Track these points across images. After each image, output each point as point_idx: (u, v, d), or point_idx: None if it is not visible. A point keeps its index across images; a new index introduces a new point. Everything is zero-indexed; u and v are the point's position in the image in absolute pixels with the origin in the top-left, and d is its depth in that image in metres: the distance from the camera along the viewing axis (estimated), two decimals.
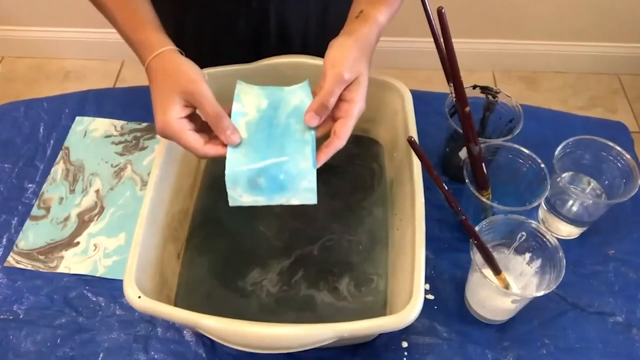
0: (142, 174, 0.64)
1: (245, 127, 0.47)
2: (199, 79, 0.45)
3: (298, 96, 0.48)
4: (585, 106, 1.45)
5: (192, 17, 0.67)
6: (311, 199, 0.45)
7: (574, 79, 1.51)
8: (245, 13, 0.65)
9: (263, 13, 0.64)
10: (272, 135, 0.46)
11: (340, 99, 0.46)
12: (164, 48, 0.47)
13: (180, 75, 0.45)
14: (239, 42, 0.67)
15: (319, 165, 0.45)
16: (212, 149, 0.45)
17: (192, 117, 0.47)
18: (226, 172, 0.44)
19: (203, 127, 0.47)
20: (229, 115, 0.47)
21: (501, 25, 1.44)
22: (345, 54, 0.46)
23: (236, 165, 0.44)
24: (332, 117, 0.47)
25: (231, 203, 0.45)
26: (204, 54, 0.58)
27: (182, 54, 0.48)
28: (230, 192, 0.45)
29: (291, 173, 0.44)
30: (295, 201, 0.45)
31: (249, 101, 0.49)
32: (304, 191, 0.44)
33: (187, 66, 0.46)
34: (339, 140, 0.45)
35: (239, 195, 0.45)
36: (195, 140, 0.45)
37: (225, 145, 0.46)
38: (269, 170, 0.44)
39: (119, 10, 0.50)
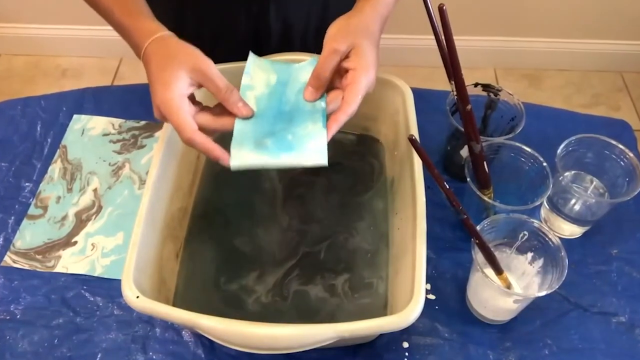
0: (140, 172, 0.63)
1: (255, 102, 0.46)
2: (205, 57, 0.45)
3: (307, 72, 0.48)
4: (588, 104, 1.44)
5: (191, 17, 0.66)
6: (320, 159, 0.42)
7: (576, 76, 1.50)
8: (246, 14, 0.64)
9: (263, 14, 0.64)
10: (281, 111, 0.46)
11: (343, 70, 0.46)
12: (163, 32, 0.47)
13: (186, 54, 0.45)
14: (238, 42, 0.66)
15: (330, 135, 0.43)
16: (201, 138, 0.44)
17: (192, 101, 0.46)
18: (232, 139, 0.43)
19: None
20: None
21: (503, 22, 1.43)
22: (337, 28, 0.47)
23: (243, 128, 0.44)
24: (342, 89, 0.47)
25: (233, 164, 0.43)
26: (203, 54, 0.58)
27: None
28: (233, 151, 0.43)
29: (299, 134, 0.43)
30: (303, 161, 0.42)
31: (258, 75, 0.48)
32: (312, 152, 0.43)
33: (191, 47, 0.46)
34: (348, 105, 0.44)
35: (241, 155, 0.43)
36: (189, 122, 0.44)
37: (215, 144, 0.44)
38: (276, 132, 0.44)
39: (115, 5, 0.50)
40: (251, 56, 0.50)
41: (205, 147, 0.44)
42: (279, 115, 0.46)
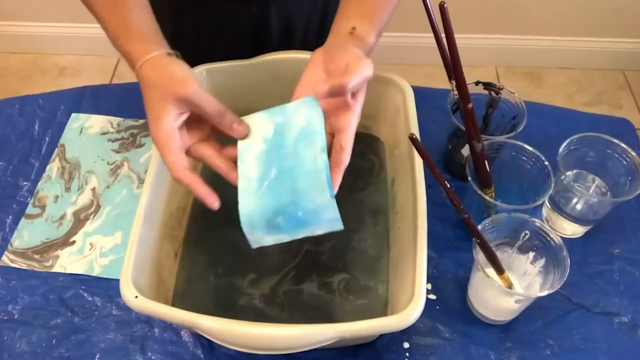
0: (139, 171, 0.63)
1: (254, 162, 0.44)
2: (190, 81, 0.42)
3: (303, 115, 0.44)
4: (590, 102, 1.44)
5: (190, 17, 0.66)
6: (336, 226, 0.43)
7: (578, 74, 1.50)
8: (245, 15, 0.64)
9: (264, 15, 0.64)
10: (283, 170, 0.43)
11: (342, 108, 0.44)
12: (151, 55, 0.44)
13: (170, 82, 0.43)
14: (238, 43, 0.66)
15: (335, 190, 0.43)
16: (188, 177, 0.43)
17: (190, 127, 0.44)
18: (241, 218, 0.43)
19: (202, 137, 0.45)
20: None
21: (504, 20, 1.43)
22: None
23: (250, 209, 0.43)
24: (331, 128, 0.45)
25: (254, 246, 0.44)
26: (202, 54, 0.57)
27: (177, 55, 0.46)
28: (249, 236, 0.43)
29: (309, 209, 0.42)
30: (320, 231, 0.43)
31: (254, 132, 0.46)
32: (327, 221, 0.43)
33: (178, 69, 0.44)
34: (347, 154, 0.43)
35: (260, 238, 0.43)
36: (176, 160, 0.43)
37: (202, 184, 0.43)
38: (285, 209, 0.43)
39: (108, 16, 0.48)
40: (244, 119, 0.46)
41: (192, 188, 0.43)
42: (282, 175, 0.43)
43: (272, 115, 0.46)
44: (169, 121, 0.42)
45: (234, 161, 0.46)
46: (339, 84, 0.41)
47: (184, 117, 0.43)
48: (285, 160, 0.44)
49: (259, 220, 0.43)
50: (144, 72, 0.44)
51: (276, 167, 0.44)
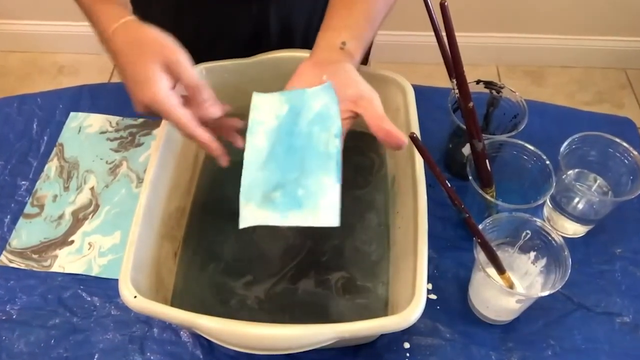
0: (138, 170, 0.63)
1: (265, 137, 0.43)
2: (176, 47, 0.42)
3: (321, 100, 0.44)
4: (591, 101, 1.44)
5: (190, 16, 0.65)
6: (332, 220, 0.39)
7: (580, 73, 1.49)
8: (245, 14, 0.63)
9: (263, 14, 0.63)
10: (292, 147, 0.43)
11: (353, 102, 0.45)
12: (125, 19, 0.43)
13: (156, 44, 0.42)
14: (238, 42, 0.66)
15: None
16: (202, 134, 0.42)
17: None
18: (241, 188, 0.41)
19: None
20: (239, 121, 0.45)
21: (506, 18, 1.42)
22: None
23: (252, 179, 0.42)
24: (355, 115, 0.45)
25: (241, 224, 0.41)
26: (202, 54, 0.57)
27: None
28: (242, 210, 0.41)
29: (310, 189, 0.40)
30: (312, 221, 0.40)
31: (268, 109, 0.45)
32: (324, 209, 0.40)
33: (160, 35, 0.43)
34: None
35: (250, 213, 0.41)
36: (189, 118, 0.42)
37: (215, 140, 0.43)
38: (286, 184, 0.41)
39: None
40: (255, 94, 0.47)
41: (206, 143, 0.43)
42: (291, 152, 0.42)
43: (288, 96, 0.45)
44: (165, 82, 0.42)
45: (237, 131, 0.46)
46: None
47: (172, 83, 0.43)
48: (297, 139, 0.43)
49: (257, 193, 0.41)
50: (123, 34, 0.43)
51: (286, 143, 0.43)
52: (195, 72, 0.43)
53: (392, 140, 0.42)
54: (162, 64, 0.42)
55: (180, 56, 0.42)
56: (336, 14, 0.50)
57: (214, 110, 0.43)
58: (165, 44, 0.42)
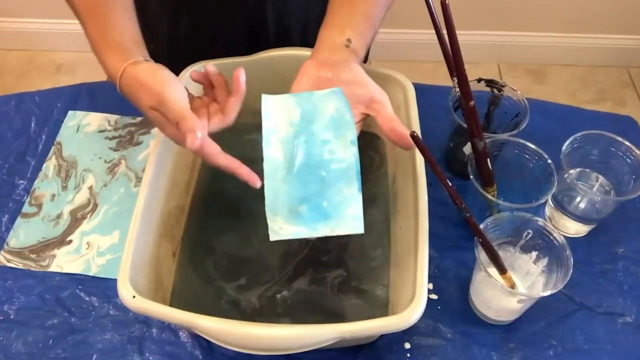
0: (136, 169, 0.62)
1: (281, 146, 0.43)
2: (160, 86, 0.43)
3: (332, 104, 0.43)
4: (593, 100, 1.43)
5: (187, 14, 0.65)
6: (357, 227, 0.41)
7: (582, 71, 1.49)
8: (242, 12, 0.63)
9: (260, 12, 0.63)
10: (310, 155, 0.42)
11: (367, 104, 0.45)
12: (124, 65, 0.44)
13: (141, 92, 0.44)
14: (235, 39, 0.66)
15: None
16: (227, 159, 0.44)
17: None
18: (266, 201, 0.41)
19: None
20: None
21: (507, 16, 1.42)
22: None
23: (275, 193, 0.42)
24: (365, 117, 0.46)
25: (272, 237, 0.42)
26: (200, 52, 0.56)
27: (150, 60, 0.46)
28: (270, 223, 0.42)
29: (334, 200, 0.41)
30: (340, 231, 0.41)
31: (279, 115, 0.44)
32: (349, 219, 0.41)
33: (147, 76, 0.44)
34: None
35: (279, 227, 0.42)
36: (210, 143, 0.44)
37: (243, 165, 0.44)
38: (310, 197, 0.41)
39: (89, 22, 0.48)
40: (264, 97, 0.45)
41: (234, 169, 0.44)
42: (309, 161, 0.42)
43: (298, 100, 0.45)
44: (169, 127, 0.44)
45: (226, 88, 0.46)
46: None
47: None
48: (313, 148, 0.43)
49: (282, 207, 0.42)
50: (123, 86, 0.45)
51: (304, 152, 0.43)
52: (180, 104, 0.43)
53: (404, 142, 0.44)
54: (150, 109, 0.44)
55: (165, 92, 0.43)
56: (338, 12, 0.50)
57: (192, 140, 0.42)
58: (150, 87, 0.43)
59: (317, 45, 0.48)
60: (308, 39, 0.67)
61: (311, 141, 0.43)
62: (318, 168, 0.42)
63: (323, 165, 0.42)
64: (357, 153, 0.42)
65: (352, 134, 0.43)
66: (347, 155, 0.42)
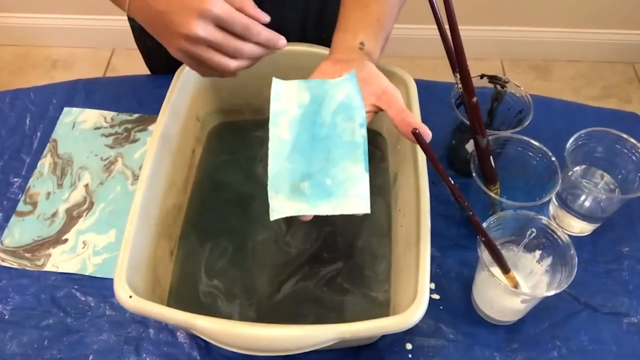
0: (133, 167, 0.62)
1: (288, 127, 0.43)
2: None
3: (344, 90, 0.44)
4: (598, 96, 1.42)
5: None
6: (363, 207, 0.40)
7: (586, 68, 1.48)
8: None
9: (258, 4, 0.62)
10: (316, 137, 0.42)
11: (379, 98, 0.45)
12: None
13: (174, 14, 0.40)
14: None
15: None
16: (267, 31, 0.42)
17: None
18: (268, 177, 0.41)
19: None
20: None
21: (510, 11, 1.41)
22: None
23: (278, 170, 0.41)
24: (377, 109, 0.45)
25: (272, 217, 0.41)
26: None
27: None
28: (271, 201, 0.41)
29: (339, 178, 0.41)
30: (342, 210, 0.40)
31: (289, 97, 0.44)
32: (354, 198, 0.40)
33: None
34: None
35: (280, 205, 0.41)
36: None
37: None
38: (314, 174, 0.41)
39: None
40: (275, 81, 0.45)
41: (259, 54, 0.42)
42: (315, 141, 0.42)
43: (309, 85, 0.45)
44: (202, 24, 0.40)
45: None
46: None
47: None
48: (321, 129, 0.43)
49: (284, 184, 0.41)
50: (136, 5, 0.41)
51: (310, 133, 0.43)
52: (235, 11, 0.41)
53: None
54: (198, 17, 0.40)
55: (220, 2, 0.40)
56: (351, 15, 0.50)
57: (276, 38, 0.42)
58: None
59: (332, 48, 0.50)
60: (308, 38, 0.67)
61: (318, 123, 0.43)
62: (323, 147, 0.42)
63: (329, 144, 0.42)
64: (365, 135, 0.42)
65: (362, 117, 0.43)
66: (355, 137, 0.42)
